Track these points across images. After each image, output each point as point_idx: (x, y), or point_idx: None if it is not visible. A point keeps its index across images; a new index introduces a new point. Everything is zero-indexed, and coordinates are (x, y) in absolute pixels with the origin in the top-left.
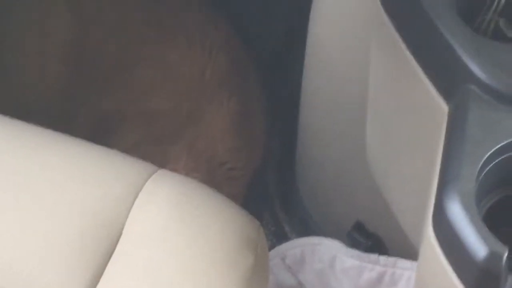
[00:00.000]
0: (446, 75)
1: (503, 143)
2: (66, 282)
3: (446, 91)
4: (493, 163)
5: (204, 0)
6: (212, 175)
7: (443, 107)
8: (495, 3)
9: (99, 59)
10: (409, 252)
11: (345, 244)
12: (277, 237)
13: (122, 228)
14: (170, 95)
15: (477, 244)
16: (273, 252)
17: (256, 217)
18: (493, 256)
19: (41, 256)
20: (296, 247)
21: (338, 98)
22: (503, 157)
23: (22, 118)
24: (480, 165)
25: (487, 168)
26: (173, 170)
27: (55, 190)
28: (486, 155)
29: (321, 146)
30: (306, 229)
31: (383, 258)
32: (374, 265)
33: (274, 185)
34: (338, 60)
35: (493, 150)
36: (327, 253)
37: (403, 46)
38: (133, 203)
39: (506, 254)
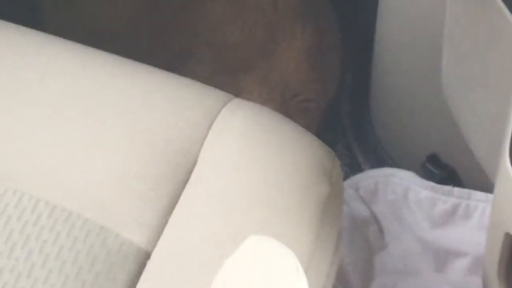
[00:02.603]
0: None
1: None
2: (143, 209)
3: None
4: None
5: None
6: (285, 106)
7: None
8: None
9: None
10: (484, 184)
11: (418, 176)
12: (351, 168)
13: (197, 156)
14: (242, 28)
15: None
16: (347, 182)
17: (330, 148)
18: None
19: (117, 182)
20: (369, 178)
21: (414, 28)
22: None
23: (96, 47)
24: None
25: None
26: (247, 100)
27: (131, 117)
28: None
29: (396, 78)
30: (380, 160)
31: (457, 190)
32: (448, 197)
33: (347, 117)
34: None
35: None
36: (401, 184)
37: None
38: (208, 131)
39: None
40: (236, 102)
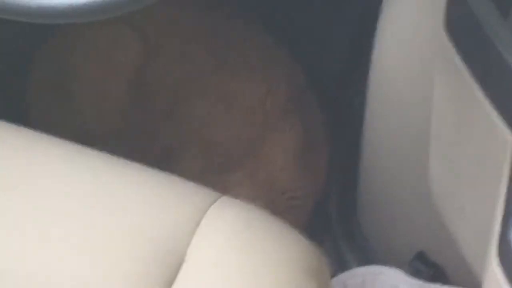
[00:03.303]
0: None
1: None
2: None
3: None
4: None
5: (264, 30)
6: (273, 203)
7: (510, 138)
8: None
9: (161, 88)
10: (472, 283)
11: (406, 274)
12: (338, 266)
13: (184, 255)
14: (230, 125)
15: None
16: (334, 280)
17: (317, 246)
18: None
19: (104, 280)
20: (357, 276)
21: (401, 129)
22: None
23: (84, 145)
24: None
25: None
26: (235, 198)
27: (118, 216)
28: None
29: (383, 177)
30: (368, 258)
31: None
32: None
33: (335, 214)
34: (401, 90)
35: None
36: (389, 282)
37: (468, 75)
38: (195, 230)
39: None
40: (223, 201)
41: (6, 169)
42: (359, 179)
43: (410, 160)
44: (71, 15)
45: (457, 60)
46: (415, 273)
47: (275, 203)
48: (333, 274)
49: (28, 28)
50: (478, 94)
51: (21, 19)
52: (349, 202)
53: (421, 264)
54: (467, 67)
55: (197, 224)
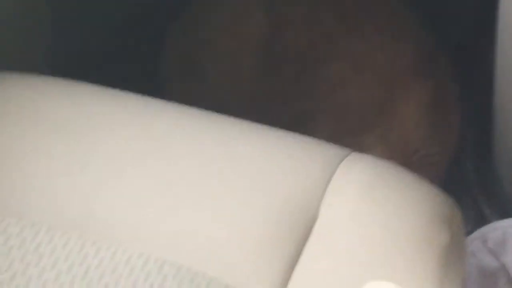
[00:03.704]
0: None
1: None
2: (266, 268)
3: None
4: None
5: None
6: (407, 162)
7: None
8: None
9: (290, 54)
10: None
11: None
12: (477, 220)
13: (317, 212)
14: (360, 87)
15: None
16: (474, 235)
17: (456, 202)
18: None
19: (238, 241)
20: (497, 229)
21: None
22: None
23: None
24: None
25: None
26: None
27: (250, 178)
28: None
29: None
30: (507, 211)
31: None
32: None
33: (471, 170)
34: None
35: None
36: None
37: None
38: (327, 187)
39: None
40: (354, 156)
41: (141, 139)
42: (494, 133)
43: None
44: None
45: None
46: None
47: (409, 161)
48: (473, 229)
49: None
50: None
51: None
52: (485, 157)
53: None
54: None
55: (328, 180)
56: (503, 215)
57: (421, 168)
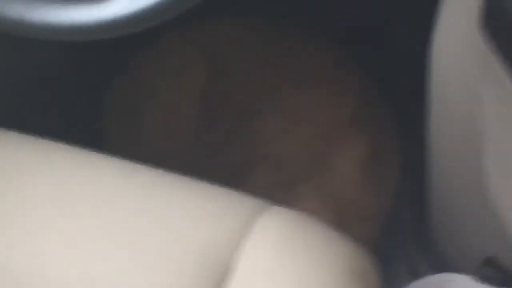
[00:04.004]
0: None
1: None
2: None
3: None
4: None
5: (335, 44)
6: (342, 215)
7: None
8: None
9: (229, 106)
10: None
11: (477, 280)
12: (411, 275)
13: (232, 265)
14: (297, 139)
15: None
16: None
17: (390, 256)
18: None
19: None
20: (429, 284)
21: (461, 135)
22: None
23: (153, 164)
24: None
25: None
26: (303, 210)
27: (166, 231)
28: None
29: (448, 184)
30: (440, 266)
31: None
32: None
33: (407, 224)
34: (456, 95)
35: None
36: None
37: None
38: (242, 239)
39: None
40: (273, 210)
41: (61, 187)
42: (427, 188)
43: (472, 166)
44: (99, 31)
45: (496, 63)
46: (485, 279)
47: (344, 214)
48: (406, 283)
49: (107, 52)
50: None
51: (49, 38)
52: (421, 210)
53: (490, 270)
54: (505, 65)
55: (244, 233)
56: (436, 270)
57: (356, 222)
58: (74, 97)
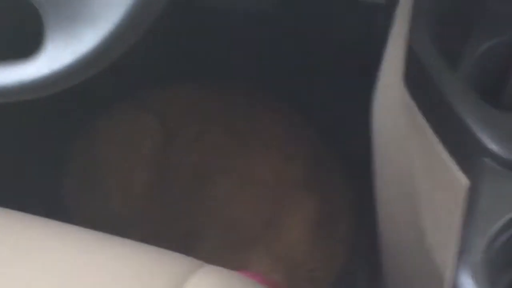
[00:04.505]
0: (464, 151)
1: None
2: None
3: (465, 166)
4: (507, 234)
5: (285, 107)
6: (292, 276)
7: (464, 182)
8: None
9: (182, 169)
10: None
11: None
12: None
13: None
14: (247, 202)
15: None
16: None
17: None
18: None
19: None
20: None
21: (400, 197)
22: None
23: (110, 227)
24: (490, 236)
25: (501, 240)
26: (253, 272)
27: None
28: (496, 227)
29: (395, 244)
30: None
31: None
32: None
33: (361, 282)
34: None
35: (504, 221)
36: None
37: (428, 130)
38: None
39: None
40: (206, 269)
41: None
42: (380, 246)
43: (414, 225)
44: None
45: (419, 116)
46: None
47: (294, 275)
48: None
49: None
50: (438, 147)
51: None
52: (376, 270)
53: None
54: (426, 120)
55: None
56: None
57: (307, 282)
58: (32, 164)
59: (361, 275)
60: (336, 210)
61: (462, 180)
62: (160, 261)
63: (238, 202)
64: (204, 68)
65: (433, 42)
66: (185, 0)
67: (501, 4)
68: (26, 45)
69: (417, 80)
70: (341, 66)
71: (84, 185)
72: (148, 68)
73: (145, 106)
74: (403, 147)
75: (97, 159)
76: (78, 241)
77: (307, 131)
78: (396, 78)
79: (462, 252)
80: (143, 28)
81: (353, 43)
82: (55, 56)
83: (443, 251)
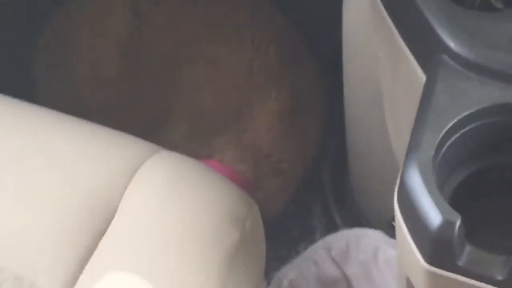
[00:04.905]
0: (424, 46)
1: (467, 112)
2: (60, 257)
3: (424, 61)
4: (459, 133)
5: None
6: (258, 167)
7: (422, 78)
8: None
9: (152, 55)
10: None
11: (388, 235)
12: (329, 228)
13: (118, 205)
14: (217, 90)
15: (431, 212)
16: (319, 243)
17: (308, 209)
18: (446, 224)
19: (35, 231)
20: (341, 238)
21: (366, 95)
22: (469, 127)
23: (79, 113)
24: (442, 133)
25: (453, 138)
26: (220, 161)
27: (53, 168)
28: (449, 124)
29: (362, 143)
30: (357, 221)
31: None
32: None
33: (328, 179)
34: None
35: (456, 119)
36: (371, 244)
37: (392, 25)
38: (129, 182)
39: (459, 222)
40: (162, 154)
41: None
42: (347, 146)
43: (379, 125)
44: None
45: (382, 8)
46: (394, 234)
47: (260, 166)
48: (322, 237)
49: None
50: (400, 41)
51: None
52: (342, 167)
53: None
54: (391, 18)
55: (132, 176)
56: (353, 224)
57: (273, 174)
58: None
59: (327, 173)
60: (306, 107)
61: (420, 75)
62: (118, 144)
63: (208, 90)
64: None
65: None
66: None
67: None
68: None
69: None
70: None
71: (53, 68)
72: None
73: None
74: (370, 42)
75: (67, 42)
76: (41, 121)
77: (283, 23)
78: None
79: (412, 147)
80: None
81: None
82: None
83: (404, 150)
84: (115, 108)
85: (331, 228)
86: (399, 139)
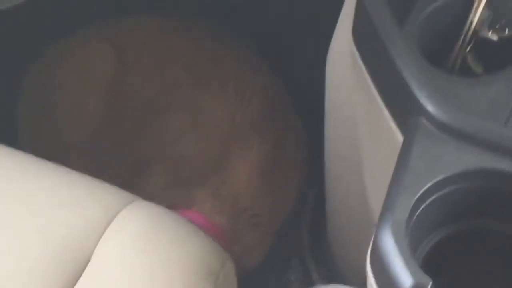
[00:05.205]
0: (402, 107)
1: (442, 176)
2: None
3: (401, 122)
4: (434, 196)
5: (245, 47)
6: (236, 220)
7: (399, 139)
8: (461, 39)
9: (135, 101)
10: None
11: None
12: (304, 283)
13: (92, 254)
14: (198, 140)
15: (402, 275)
16: None
17: (285, 264)
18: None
19: (9, 275)
20: None
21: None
22: (444, 191)
23: (60, 153)
24: (417, 196)
25: (427, 202)
26: (198, 212)
27: (28, 215)
28: (424, 187)
29: (340, 197)
30: (333, 278)
31: None
32: None
33: (306, 234)
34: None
35: (431, 182)
36: None
37: (371, 85)
38: (105, 230)
39: (429, 286)
40: (137, 203)
41: None
42: (326, 200)
43: (357, 178)
44: None
45: (363, 67)
46: None
47: (238, 219)
48: None
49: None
50: (378, 100)
51: None
52: (321, 221)
53: None
54: (370, 76)
55: (107, 225)
56: (329, 280)
57: (250, 228)
58: None
59: (305, 226)
60: (287, 160)
61: (398, 136)
62: (95, 193)
63: (189, 140)
64: (168, 1)
65: None
66: None
67: None
68: None
69: (363, 32)
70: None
71: (36, 108)
72: None
73: (103, 35)
74: (351, 99)
75: (50, 84)
76: (19, 166)
77: (269, 76)
78: (348, 30)
79: (386, 208)
80: None
81: None
82: None
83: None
84: (95, 152)
85: (308, 283)
86: (377, 197)
